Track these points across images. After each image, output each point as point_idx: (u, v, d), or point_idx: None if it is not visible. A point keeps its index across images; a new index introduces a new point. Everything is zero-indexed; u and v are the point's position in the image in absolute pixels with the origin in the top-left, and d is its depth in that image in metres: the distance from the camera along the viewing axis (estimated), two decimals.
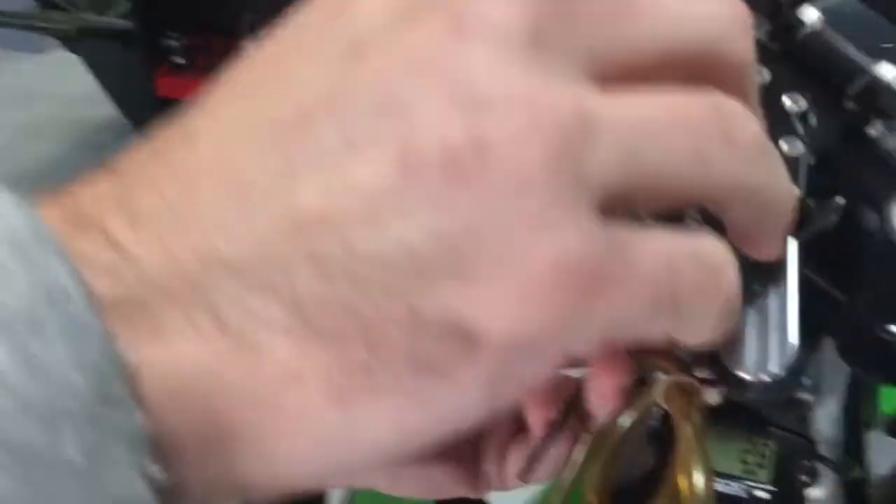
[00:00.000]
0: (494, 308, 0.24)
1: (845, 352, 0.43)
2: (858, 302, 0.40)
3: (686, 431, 0.38)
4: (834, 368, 0.50)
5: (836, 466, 0.46)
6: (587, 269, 0.24)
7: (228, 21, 3.13)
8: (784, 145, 0.36)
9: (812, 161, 0.36)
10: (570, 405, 0.44)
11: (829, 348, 0.52)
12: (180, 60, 2.71)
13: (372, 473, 0.46)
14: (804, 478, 0.44)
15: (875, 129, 0.37)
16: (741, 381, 0.39)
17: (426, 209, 0.23)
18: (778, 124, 0.36)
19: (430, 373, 0.24)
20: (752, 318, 0.40)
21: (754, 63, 0.30)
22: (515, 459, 0.48)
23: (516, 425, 0.49)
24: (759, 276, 0.40)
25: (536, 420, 0.45)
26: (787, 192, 0.31)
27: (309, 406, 0.24)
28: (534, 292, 0.24)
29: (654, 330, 0.28)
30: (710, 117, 0.27)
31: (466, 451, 0.49)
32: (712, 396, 0.40)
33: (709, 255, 0.27)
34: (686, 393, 0.40)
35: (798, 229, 0.38)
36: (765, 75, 0.37)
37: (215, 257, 0.24)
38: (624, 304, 0.26)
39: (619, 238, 0.25)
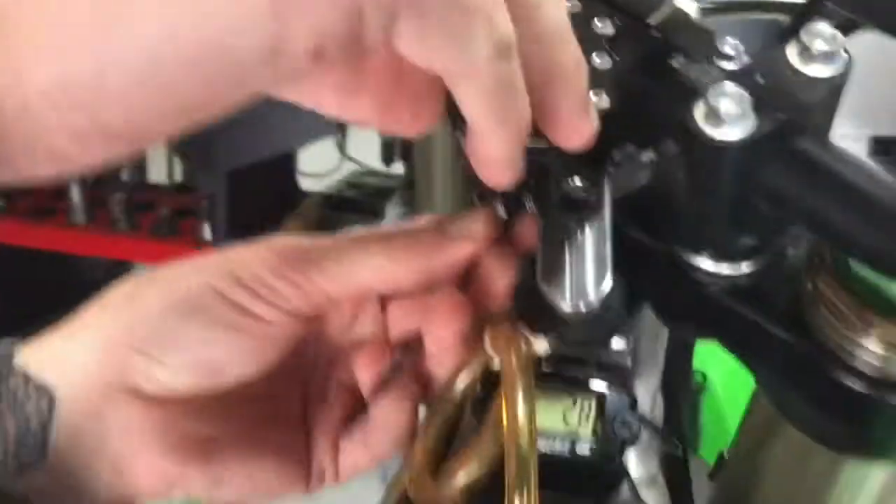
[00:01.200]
0: None
1: (662, 307, 0.44)
2: (669, 240, 0.41)
3: (511, 368, 0.38)
4: (651, 347, 0.51)
5: (655, 429, 0.46)
6: None
7: None
8: (595, 59, 0.37)
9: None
10: (400, 360, 0.43)
11: (646, 327, 0.53)
12: None
13: (186, 463, 0.43)
14: (625, 434, 0.44)
15: (677, 62, 0.39)
16: (562, 313, 0.39)
17: None
18: (588, 43, 0.37)
19: None
20: (570, 254, 0.40)
21: None
22: (351, 444, 0.45)
23: (351, 407, 0.47)
24: (576, 214, 0.41)
25: (366, 378, 0.44)
26: (578, 59, 0.32)
27: None
28: None
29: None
30: None
31: (296, 444, 0.46)
32: (541, 346, 0.40)
33: None
34: (514, 342, 0.40)
35: (607, 143, 0.39)
36: (575, 4, 0.38)
37: None
38: None
39: None
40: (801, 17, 0.37)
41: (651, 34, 0.38)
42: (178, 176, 3.68)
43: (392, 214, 3.32)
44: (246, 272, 0.42)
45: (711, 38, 0.39)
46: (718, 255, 0.40)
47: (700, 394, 0.65)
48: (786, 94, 0.35)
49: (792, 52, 0.36)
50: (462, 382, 0.42)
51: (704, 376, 0.68)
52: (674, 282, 0.41)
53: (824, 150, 0.35)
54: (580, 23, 0.37)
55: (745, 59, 0.37)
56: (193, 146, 3.05)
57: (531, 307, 0.41)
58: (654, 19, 0.38)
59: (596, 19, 0.37)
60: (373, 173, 3.59)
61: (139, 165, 3.60)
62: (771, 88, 0.35)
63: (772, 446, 0.48)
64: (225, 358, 0.42)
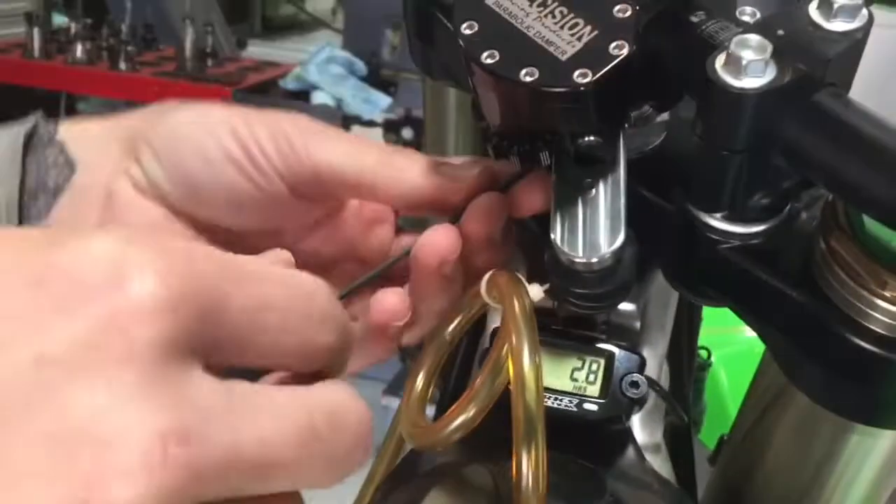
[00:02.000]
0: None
1: (674, 269, 0.44)
2: (682, 201, 0.41)
3: (514, 316, 0.38)
4: (660, 315, 0.51)
5: (663, 393, 0.46)
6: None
7: None
8: (616, 9, 0.37)
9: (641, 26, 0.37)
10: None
11: (655, 293, 0.52)
12: None
13: None
14: (633, 394, 0.43)
15: (696, 16, 0.39)
16: (574, 266, 0.39)
17: None
18: None
19: None
20: (583, 209, 0.40)
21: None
22: None
23: None
24: (590, 172, 0.41)
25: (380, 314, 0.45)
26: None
27: None
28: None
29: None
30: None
31: None
32: (534, 291, 0.40)
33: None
34: (515, 290, 0.39)
35: (624, 102, 0.39)
36: None
37: None
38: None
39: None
40: None
41: None
42: None
43: None
44: (258, 116, 0.46)
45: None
46: (732, 216, 0.40)
47: (705, 370, 0.65)
48: (805, 47, 0.35)
49: (813, 7, 0.36)
50: (453, 328, 0.43)
51: (709, 353, 0.68)
52: (686, 241, 0.41)
53: (842, 103, 0.35)
54: None
55: (765, 13, 0.37)
56: None
57: (542, 261, 0.41)
58: None
59: None
60: None
61: None
62: (791, 41, 0.35)
63: (777, 419, 0.48)
64: (209, 185, 0.46)
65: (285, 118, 0.46)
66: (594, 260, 0.39)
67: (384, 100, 2.68)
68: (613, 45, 0.37)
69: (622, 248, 0.39)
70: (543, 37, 0.38)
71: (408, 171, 0.45)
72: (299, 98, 2.65)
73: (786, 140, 0.36)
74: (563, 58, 0.37)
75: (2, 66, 2.66)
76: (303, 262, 0.49)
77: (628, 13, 0.37)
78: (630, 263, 0.41)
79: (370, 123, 2.83)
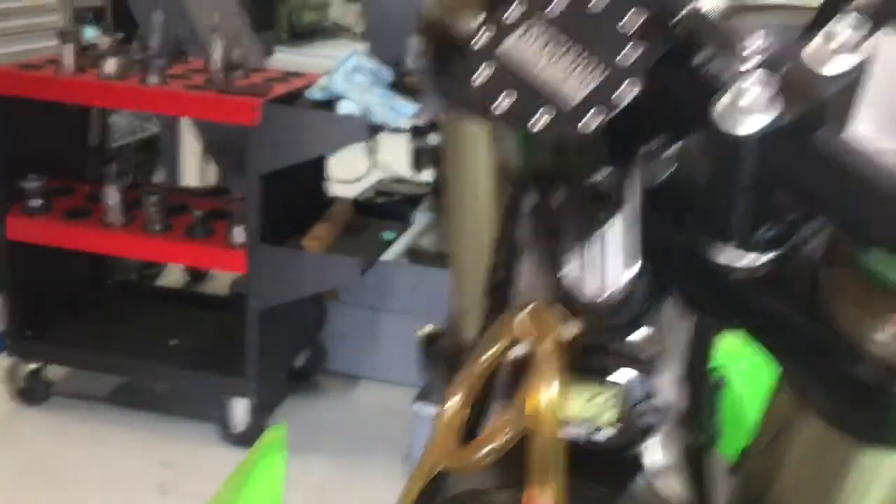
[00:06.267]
0: None
1: (686, 296, 0.45)
2: (692, 231, 0.42)
3: (540, 354, 0.39)
4: (675, 337, 0.52)
5: (678, 418, 0.47)
6: None
7: (94, 168, 3.18)
8: (627, 49, 0.39)
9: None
10: None
11: (670, 316, 0.54)
12: (36, 203, 2.75)
13: None
14: (647, 423, 0.45)
15: (700, 57, 0.40)
16: (588, 300, 0.41)
17: None
18: (616, 42, 0.39)
19: None
20: (597, 243, 0.42)
21: None
22: None
23: None
24: (605, 204, 0.43)
25: None
26: None
27: None
28: None
29: None
30: None
31: None
32: (568, 331, 0.41)
33: None
34: (547, 328, 0.41)
35: (636, 137, 0.41)
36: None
37: None
38: None
39: None
40: (823, 13, 0.38)
41: (674, 31, 0.40)
42: (211, 179, 3.73)
43: (420, 221, 3.33)
44: None
45: (733, 37, 0.40)
46: (740, 245, 0.41)
47: (722, 389, 0.66)
48: (804, 88, 0.37)
49: (811, 48, 0.37)
50: (487, 358, 0.44)
51: (724, 373, 0.68)
52: (697, 271, 0.43)
53: (842, 142, 0.36)
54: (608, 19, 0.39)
55: (766, 54, 0.38)
56: (228, 150, 3.10)
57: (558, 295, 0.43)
58: (675, 17, 0.39)
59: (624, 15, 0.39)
60: (401, 180, 3.64)
61: (172, 169, 3.66)
62: (790, 83, 0.37)
63: (792, 436, 0.49)
64: None
65: None
66: (607, 294, 0.40)
67: (410, 108, 2.70)
68: (623, 85, 0.38)
69: (636, 279, 0.41)
70: (556, 79, 0.39)
71: None
72: (325, 108, 2.67)
73: (788, 179, 0.37)
74: (576, 100, 0.39)
75: (36, 82, 2.71)
76: None
77: (637, 54, 0.38)
78: (644, 294, 0.42)
79: (396, 130, 2.84)
